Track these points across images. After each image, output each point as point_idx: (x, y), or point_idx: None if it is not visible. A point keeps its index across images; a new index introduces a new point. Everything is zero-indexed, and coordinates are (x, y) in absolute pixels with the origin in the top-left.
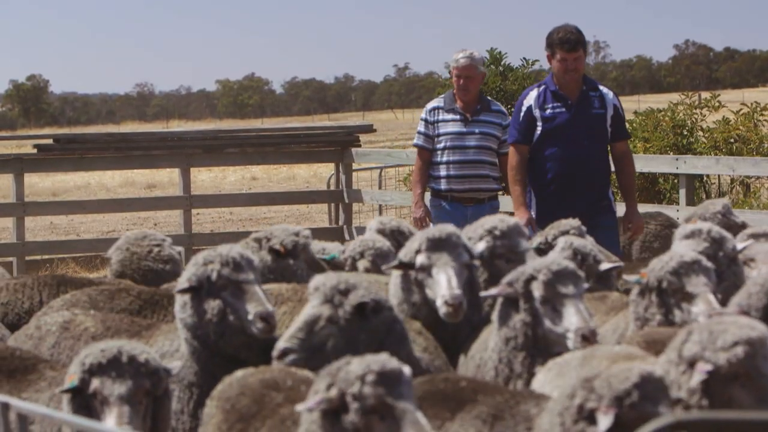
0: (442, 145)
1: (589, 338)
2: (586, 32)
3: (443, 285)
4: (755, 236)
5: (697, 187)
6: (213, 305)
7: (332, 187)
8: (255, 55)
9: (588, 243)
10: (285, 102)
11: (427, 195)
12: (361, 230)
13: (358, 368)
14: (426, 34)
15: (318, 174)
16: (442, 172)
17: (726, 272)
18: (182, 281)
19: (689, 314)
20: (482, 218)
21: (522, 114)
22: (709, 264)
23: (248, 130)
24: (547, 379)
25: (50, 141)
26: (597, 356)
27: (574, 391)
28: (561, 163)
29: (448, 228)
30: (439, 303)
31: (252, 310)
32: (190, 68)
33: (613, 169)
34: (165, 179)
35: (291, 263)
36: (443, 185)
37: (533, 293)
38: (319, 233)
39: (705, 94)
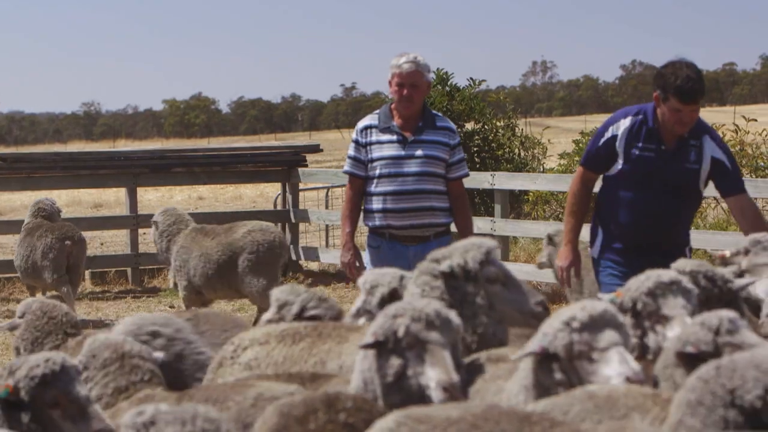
0: (376, 172)
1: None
2: (532, 53)
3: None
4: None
5: None
6: (394, 365)
7: (279, 207)
8: (202, 74)
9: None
10: (232, 121)
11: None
12: (307, 250)
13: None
14: (373, 53)
15: (265, 194)
16: (378, 205)
17: None
18: (369, 334)
19: (664, 338)
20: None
21: (603, 139)
22: (689, 285)
23: (195, 149)
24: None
25: None
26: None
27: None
28: (632, 212)
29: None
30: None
31: (435, 377)
32: (137, 87)
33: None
34: (112, 199)
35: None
36: (379, 221)
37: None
38: None
39: None
